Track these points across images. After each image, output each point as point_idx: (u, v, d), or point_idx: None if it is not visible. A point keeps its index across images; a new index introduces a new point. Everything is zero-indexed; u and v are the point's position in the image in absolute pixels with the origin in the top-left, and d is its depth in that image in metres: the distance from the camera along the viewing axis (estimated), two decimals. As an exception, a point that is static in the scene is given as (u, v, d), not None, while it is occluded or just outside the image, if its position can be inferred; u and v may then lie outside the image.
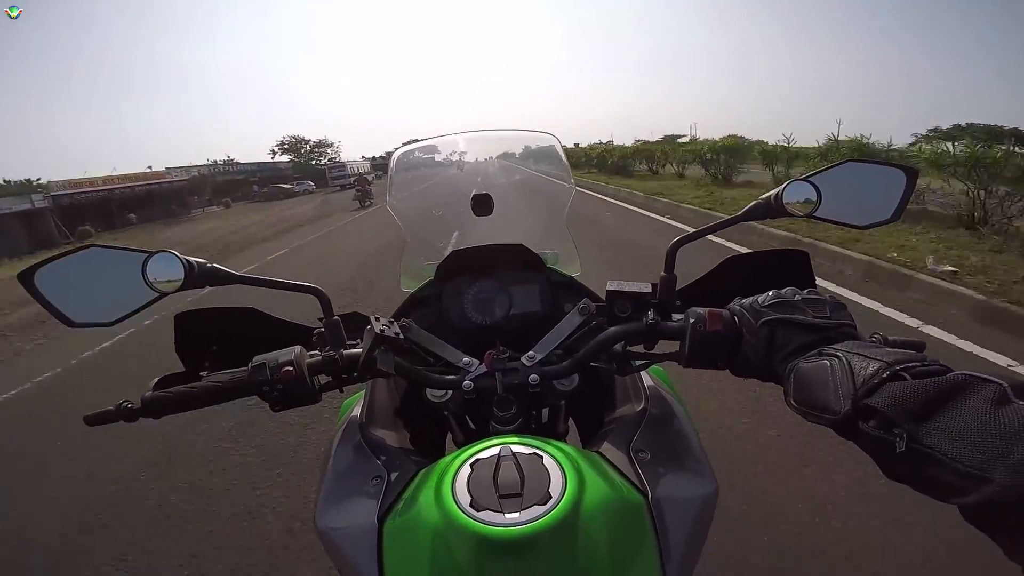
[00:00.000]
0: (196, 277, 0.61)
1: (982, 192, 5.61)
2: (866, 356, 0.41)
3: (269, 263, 8.65)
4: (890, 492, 1.70)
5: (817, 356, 0.46)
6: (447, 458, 0.53)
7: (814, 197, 0.63)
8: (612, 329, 0.64)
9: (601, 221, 8.50)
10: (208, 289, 0.66)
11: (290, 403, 0.61)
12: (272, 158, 58.40)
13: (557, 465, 0.49)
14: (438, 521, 0.45)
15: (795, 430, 2.17)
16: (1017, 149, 6.21)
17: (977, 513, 0.32)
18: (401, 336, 0.64)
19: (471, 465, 0.49)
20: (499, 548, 0.43)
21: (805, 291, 0.54)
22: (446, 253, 0.90)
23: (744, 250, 1.61)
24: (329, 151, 61.83)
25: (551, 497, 0.45)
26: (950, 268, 3.90)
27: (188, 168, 41.67)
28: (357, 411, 0.75)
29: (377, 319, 0.63)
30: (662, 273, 0.67)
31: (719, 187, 11.08)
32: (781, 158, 10.54)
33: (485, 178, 1.12)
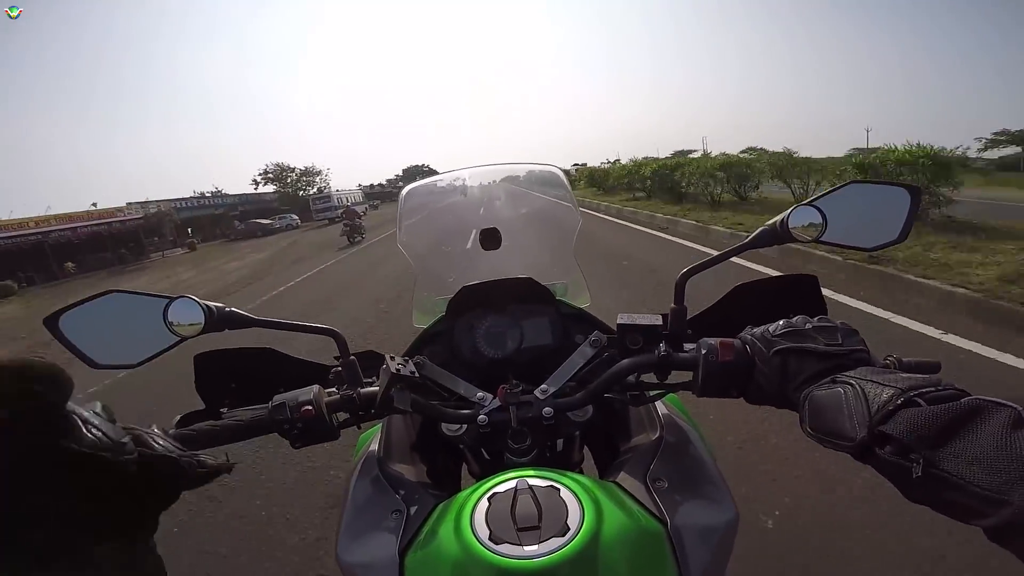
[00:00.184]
0: (216, 321, 0.63)
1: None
2: (880, 383, 0.41)
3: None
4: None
5: (831, 384, 0.46)
6: (465, 492, 0.54)
7: (819, 221, 0.64)
8: (625, 361, 0.64)
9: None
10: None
11: (309, 440, 0.62)
12: (255, 189, 52.18)
13: (574, 497, 0.49)
14: (458, 554, 0.46)
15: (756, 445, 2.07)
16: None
17: (998, 533, 0.32)
18: (416, 374, 0.66)
19: (488, 499, 0.50)
20: None
21: (816, 319, 0.54)
22: (455, 286, 0.91)
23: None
24: (317, 180, 55.72)
25: (569, 529, 0.46)
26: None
27: (145, 204, 33.36)
28: (374, 446, 0.76)
29: (392, 358, 0.65)
30: (672, 305, 0.68)
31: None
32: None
33: (492, 212, 1.14)
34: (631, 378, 0.66)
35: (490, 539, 0.45)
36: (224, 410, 0.69)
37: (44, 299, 15.88)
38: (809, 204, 0.64)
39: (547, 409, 0.67)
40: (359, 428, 0.69)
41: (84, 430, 0.33)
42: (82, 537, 0.31)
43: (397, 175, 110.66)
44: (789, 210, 0.64)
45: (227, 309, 0.65)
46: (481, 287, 0.89)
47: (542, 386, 0.70)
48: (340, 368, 0.70)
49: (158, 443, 0.41)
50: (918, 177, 6.29)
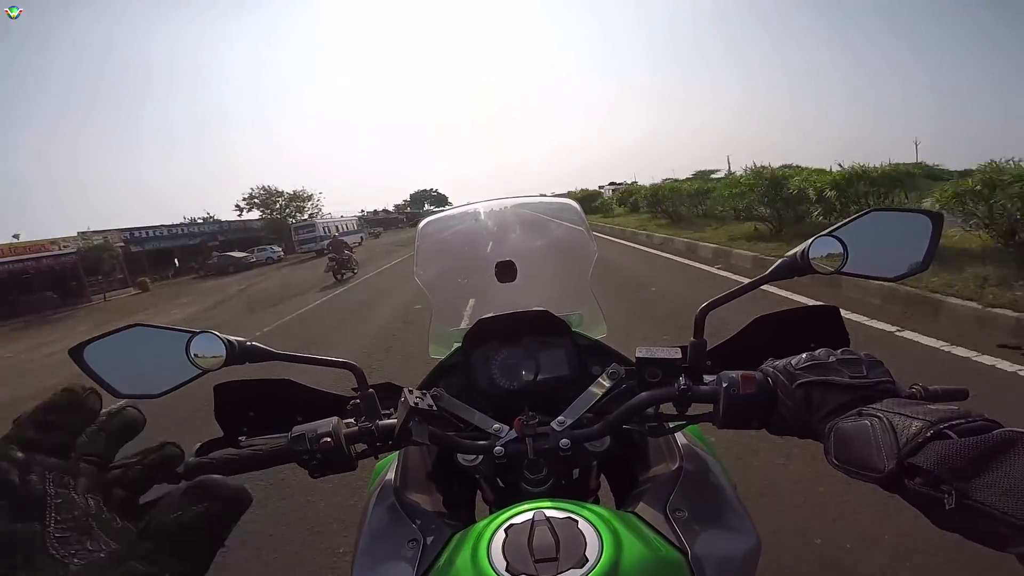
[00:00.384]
0: (237, 355, 0.65)
1: None
2: (907, 415, 0.41)
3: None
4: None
5: (857, 416, 0.45)
6: (481, 523, 0.53)
7: (840, 251, 0.63)
8: (644, 394, 0.64)
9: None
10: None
11: (328, 471, 0.63)
12: (239, 215, 45.61)
13: (592, 528, 0.49)
14: None
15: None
16: None
17: None
18: (434, 407, 0.66)
19: (505, 530, 0.50)
20: None
21: (839, 351, 0.53)
22: (469, 319, 0.92)
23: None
24: (308, 205, 48.79)
25: (588, 560, 0.45)
26: None
27: (85, 233, 27.24)
28: (391, 475, 0.76)
29: (411, 391, 0.65)
30: (691, 339, 0.68)
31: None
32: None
33: (507, 244, 1.16)
34: (650, 410, 0.66)
35: (507, 571, 0.45)
36: (242, 439, 0.71)
37: None
38: (829, 234, 0.64)
39: (564, 440, 0.67)
40: (376, 458, 0.70)
41: None
42: None
43: (405, 200, 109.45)
44: (809, 241, 0.64)
45: (248, 343, 0.66)
46: (497, 319, 0.90)
47: (559, 417, 0.70)
48: (358, 400, 0.71)
49: None
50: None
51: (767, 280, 0.67)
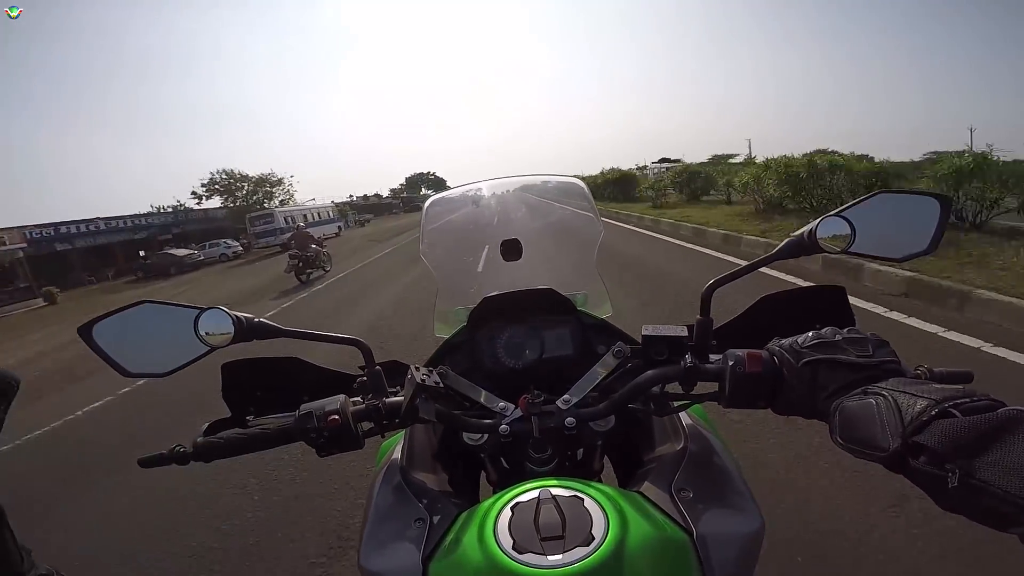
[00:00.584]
0: (245, 331, 0.64)
1: None
2: (912, 394, 0.41)
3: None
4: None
5: (862, 395, 0.45)
6: (487, 501, 0.54)
7: (847, 232, 0.63)
8: (650, 372, 0.64)
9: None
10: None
11: (335, 449, 0.63)
12: (198, 204, 39.59)
13: (598, 506, 0.49)
14: (482, 564, 0.46)
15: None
16: None
17: None
18: (441, 384, 0.66)
19: (511, 508, 0.50)
20: None
21: (845, 330, 0.54)
22: (477, 296, 0.92)
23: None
24: (277, 191, 42.32)
25: (594, 538, 0.46)
26: None
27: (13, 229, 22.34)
28: (397, 454, 0.76)
29: (417, 368, 0.65)
30: (698, 316, 0.68)
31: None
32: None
33: (513, 223, 1.15)
34: (656, 389, 0.66)
35: (514, 548, 0.46)
36: (250, 418, 0.71)
37: None
38: (837, 215, 0.64)
39: (570, 419, 0.67)
40: (383, 436, 0.70)
41: None
42: None
43: (401, 184, 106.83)
44: (817, 221, 0.64)
45: (256, 320, 0.66)
46: (503, 298, 0.90)
47: (564, 396, 0.70)
48: (365, 378, 0.70)
49: None
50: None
51: (774, 259, 0.67)
